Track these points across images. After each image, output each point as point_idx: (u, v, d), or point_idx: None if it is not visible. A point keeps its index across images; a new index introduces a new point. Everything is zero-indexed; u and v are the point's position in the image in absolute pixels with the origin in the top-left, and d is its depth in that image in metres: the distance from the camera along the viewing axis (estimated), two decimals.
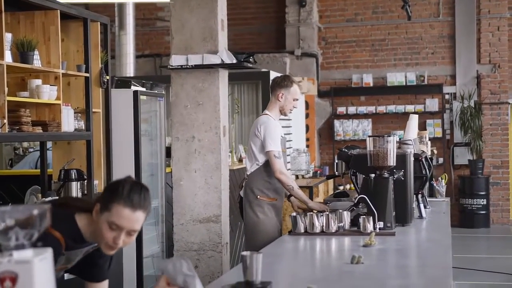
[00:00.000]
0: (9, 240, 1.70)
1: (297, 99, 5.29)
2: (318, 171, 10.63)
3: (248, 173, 5.26)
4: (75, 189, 5.29)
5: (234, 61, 5.90)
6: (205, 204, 5.83)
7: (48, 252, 1.75)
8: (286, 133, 9.89)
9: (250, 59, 6.19)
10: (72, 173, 5.29)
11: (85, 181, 5.41)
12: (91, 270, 2.83)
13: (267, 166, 5.13)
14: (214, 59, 5.85)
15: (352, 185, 11.73)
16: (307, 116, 12.16)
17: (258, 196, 5.16)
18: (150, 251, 6.62)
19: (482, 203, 12.10)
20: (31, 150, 9.07)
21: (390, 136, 4.36)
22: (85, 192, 5.44)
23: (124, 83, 6.54)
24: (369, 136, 4.41)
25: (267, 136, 5.06)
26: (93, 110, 5.56)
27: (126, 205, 2.51)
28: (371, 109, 12.67)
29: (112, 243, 2.55)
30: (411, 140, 5.08)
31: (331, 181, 11.10)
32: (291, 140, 10.14)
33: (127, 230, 2.54)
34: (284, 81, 5.26)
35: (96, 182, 5.57)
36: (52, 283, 1.76)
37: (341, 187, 12.08)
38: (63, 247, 2.58)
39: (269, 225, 5.16)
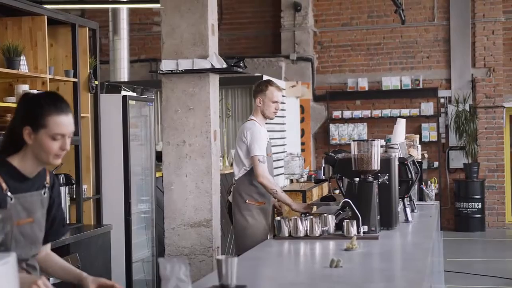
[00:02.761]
0: None
1: (276, 101, 5.35)
2: (313, 175, 10.65)
3: (236, 178, 5.34)
4: (64, 194, 5.30)
5: (224, 65, 5.92)
6: (196, 209, 5.85)
7: (12, 257, 1.77)
8: (281, 137, 9.94)
9: (240, 64, 6.21)
10: (60, 177, 5.30)
11: (74, 185, 5.43)
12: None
13: None
14: (204, 64, 5.87)
15: None
16: (302, 120, 12.19)
17: (247, 201, 5.24)
18: (140, 256, 6.63)
19: (477, 207, 12.11)
20: None
21: (374, 140, 4.37)
22: (74, 197, 5.46)
23: (115, 88, 6.56)
24: (353, 140, 4.43)
25: (253, 141, 5.16)
26: (82, 115, 5.58)
27: (59, 113, 2.63)
28: (367, 113, 12.69)
29: (59, 151, 2.64)
30: (397, 144, 5.09)
31: (325, 185, 11.11)
32: (285, 145, 10.16)
33: (68, 135, 2.66)
34: (260, 86, 5.38)
35: (85, 187, 5.59)
36: (16, 287, 1.78)
37: (337, 191, 12.08)
38: (2, 186, 2.59)
39: (258, 229, 5.21)
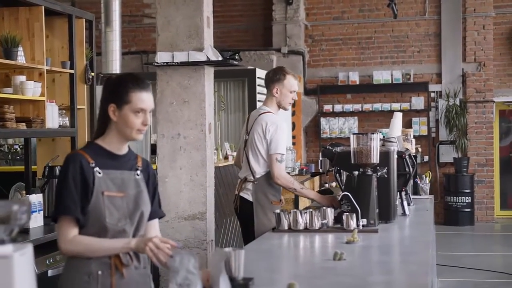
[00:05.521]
0: None
1: (294, 91, 5.02)
2: (304, 169, 10.65)
3: (257, 176, 4.98)
4: None
5: (220, 58, 5.91)
6: (190, 201, 5.85)
7: (28, 248, 1.76)
8: None
9: (236, 57, 6.20)
10: (56, 169, 5.27)
11: None
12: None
13: None
14: (200, 56, 5.85)
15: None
16: (293, 113, 12.19)
17: (273, 202, 4.96)
18: None
19: (466, 201, 12.18)
20: (16, 146, 9.04)
21: (373, 133, 4.37)
22: None
23: None
24: (353, 134, 4.42)
25: (275, 138, 4.85)
26: (78, 106, 5.54)
27: (141, 90, 2.84)
28: (357, 107, 12.72)
29: (141, 126, 2.83)
30: (394, 137, 5.10)
31: (317, 179, 11.14)
32: None
33: (149, 110, 2.85)
34: (276, 75, 5.02)
35: None
36: (32, 278, 1.77)
37: (327, 185, 12.12)
38: (89, 161, 2.79)
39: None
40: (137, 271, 2.86)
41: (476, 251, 10.25)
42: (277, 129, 4.88)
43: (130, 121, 2.81)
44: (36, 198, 4.92)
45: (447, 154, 12.52)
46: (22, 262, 1.73)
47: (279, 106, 5.07)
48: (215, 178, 6.15)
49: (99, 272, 2.76)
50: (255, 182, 4.99)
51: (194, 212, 5.90)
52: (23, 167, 6.21)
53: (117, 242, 2.77)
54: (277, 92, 5.01)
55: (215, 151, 7.52)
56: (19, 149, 9.08)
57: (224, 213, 7.35)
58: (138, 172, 2.91)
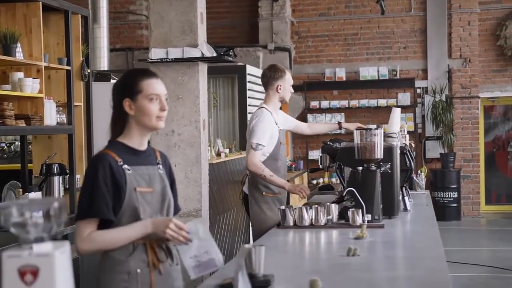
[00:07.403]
0: (28, 233, 1.68)
1: (291, 84, 5.33)
2: (293, 165, 10.66)
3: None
4: (57, 184, 5.21)
5: (214, 54, 5.89)
6: (185, 199, 5.83)
7: (67, 246, 1.73)
8: None
9: (230, 53, 6.18)
10: (54, 167, 5.21)
11: (67, 175, 5.34)
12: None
13: (269, 160, 5.07)
14: (194, 53, 5.83)
15: (328, 179, 11.74)
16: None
17: (264, 193, 5.11)
18: None
19: (453, 196, 12.25)
20: (3, 145, 8.96)
21: (377, 129, 4.37)
22: (67, 186, 5.37)
23: (103, 76, 6.47)
24: (357, 129, 4.42)
25: (254, 128, 5.03)
26: (75, 103, 5.48)
27: (150, 77, 2.84)
28: (344, 103, 12.73)
29: (159, 113, 2.80)
30: (395, 133, 5.10)
31: (305, 175, 11.15)
32: None
33: (163, 96, 2.83)
34: (277, 73, 5.22)
35: (78, 176, 5.50)
36: (71, 276, 1.74)
37: (314, 181, 12.13)
38: (117, 159, 2.75)
39: (276, 220, 5.07)
40: (171, 267, 2.85)
41: (463, 246, 10.30)
42: (259, 121, 5.04)
43: (147, 109, 2.78)
44: (35, 196, 4.86)
45: (434, 150, 12.57)
46: (62, 259, 1.70)
47: (281, 101, 5.27)
48: (209, 175, 6.13)
49: (138, 270, 2.73)
50: (249, 176, 5.15)
51: (189, 209, 5.88)
52: (11, 165, 6.15)
53: (135, 230, 2.71)
54: (280, 89, 5.21)
55: (208, 148, 7.48)
56: (5, 147, 9.00)
57: (218, 210, 7.32)
58: (160, 166, 2.89)
